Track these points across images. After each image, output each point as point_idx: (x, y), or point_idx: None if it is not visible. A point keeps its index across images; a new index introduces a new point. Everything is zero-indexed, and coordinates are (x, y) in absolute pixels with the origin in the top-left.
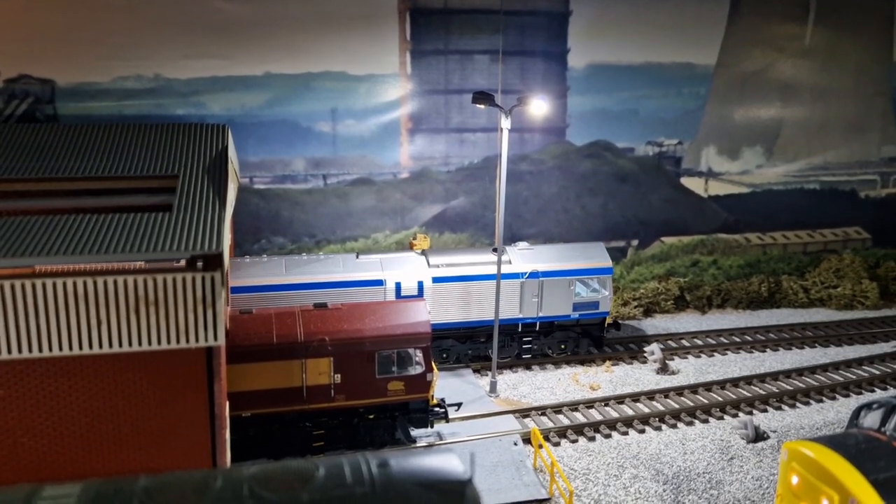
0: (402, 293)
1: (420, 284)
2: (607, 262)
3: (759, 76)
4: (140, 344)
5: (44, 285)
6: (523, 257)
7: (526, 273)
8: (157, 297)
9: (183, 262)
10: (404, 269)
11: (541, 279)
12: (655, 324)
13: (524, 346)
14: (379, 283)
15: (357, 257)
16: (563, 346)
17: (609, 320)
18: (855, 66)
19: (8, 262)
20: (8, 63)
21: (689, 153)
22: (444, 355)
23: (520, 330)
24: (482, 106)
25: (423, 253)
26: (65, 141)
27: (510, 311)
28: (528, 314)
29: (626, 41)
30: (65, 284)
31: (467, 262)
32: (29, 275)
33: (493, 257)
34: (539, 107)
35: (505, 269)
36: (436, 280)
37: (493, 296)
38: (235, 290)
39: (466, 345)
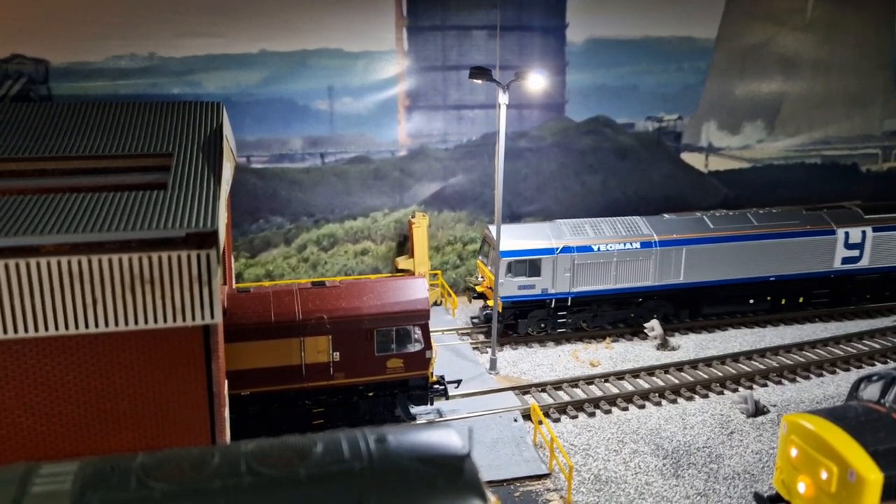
0: (849, 242)
1: (863, 234)
2: None
3: (760, 50)
4: (136, 323)
5: (38, 264)
6: None
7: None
8: (153, 275)
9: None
10: (848, 221)
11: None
12: None
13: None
14: (831, 232)
15: (803, 212)
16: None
17: None
18: (856, 40)
19: (3, 242)
20: (0, 43)
21: (690, 128)
22: (868, 296)
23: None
24: (479, 82)
25: (844, 208)
26: (59, 120)
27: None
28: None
29: (625, 15)
30: (59, 263)
31: None
32: (24, 254)
33: None
34: (537, 82)
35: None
36: (876, 230)
37: None
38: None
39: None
